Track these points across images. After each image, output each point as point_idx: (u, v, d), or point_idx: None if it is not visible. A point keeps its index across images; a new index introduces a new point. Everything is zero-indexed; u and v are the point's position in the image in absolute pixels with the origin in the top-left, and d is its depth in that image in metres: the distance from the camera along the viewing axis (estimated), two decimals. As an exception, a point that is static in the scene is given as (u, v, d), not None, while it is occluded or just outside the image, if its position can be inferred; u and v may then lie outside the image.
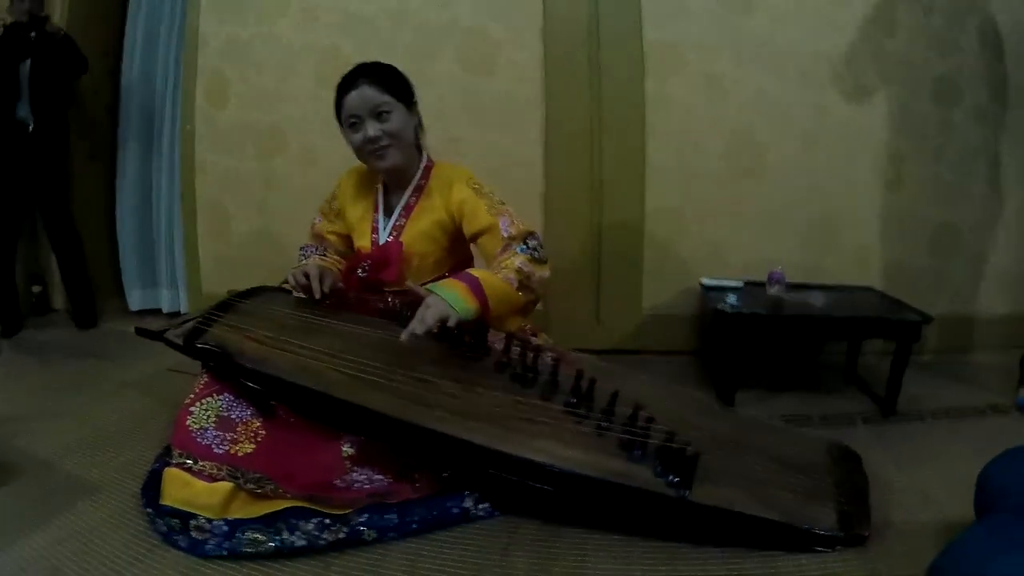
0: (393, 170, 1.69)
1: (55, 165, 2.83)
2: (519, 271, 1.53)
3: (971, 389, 2.12)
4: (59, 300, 3.10)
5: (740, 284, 2.26)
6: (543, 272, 1.60)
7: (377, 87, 1.62)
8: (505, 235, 1.61)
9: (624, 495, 1.23)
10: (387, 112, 1.62)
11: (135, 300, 3.12)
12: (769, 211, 2.46)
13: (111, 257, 3.17)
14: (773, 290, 2.10)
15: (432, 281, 1.69)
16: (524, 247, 1.59)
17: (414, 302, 1.51)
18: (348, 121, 1.66)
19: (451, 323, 1.38)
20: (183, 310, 3.02)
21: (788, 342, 2.47)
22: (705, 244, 2.49)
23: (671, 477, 1.24)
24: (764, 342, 2.36)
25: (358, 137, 1.64)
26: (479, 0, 2.49)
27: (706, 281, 2.32)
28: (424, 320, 1.37)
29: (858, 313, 2.01)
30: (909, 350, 1.89)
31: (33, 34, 2.68)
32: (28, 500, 1.43)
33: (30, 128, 2.72)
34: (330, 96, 2.60)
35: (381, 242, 1.74)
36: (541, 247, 1.62)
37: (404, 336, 1.37)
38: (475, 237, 1.68)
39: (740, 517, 1.23)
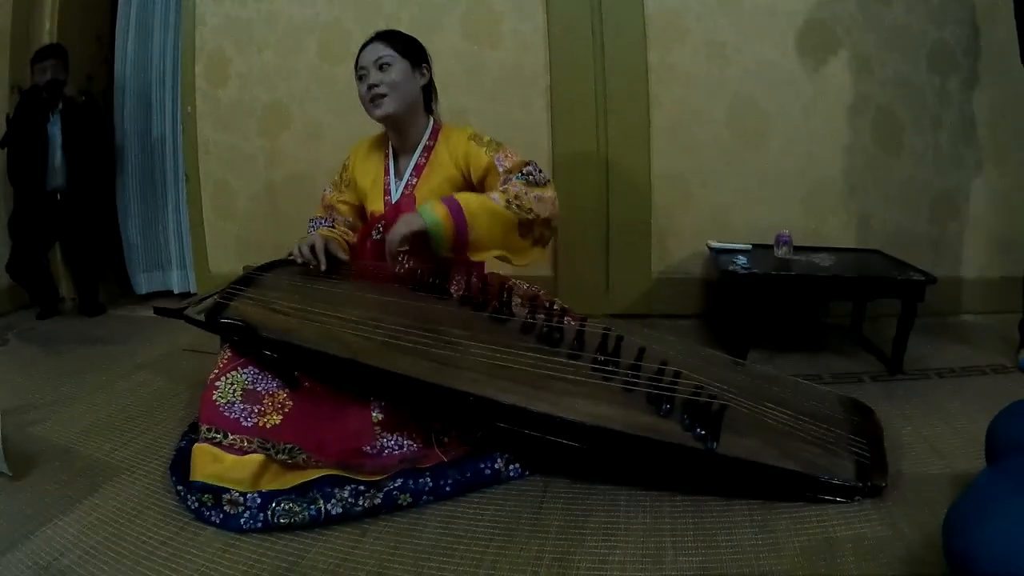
0: (388, 120, 1.74)
1: (86, 225, 2.87)
2: (505, 191, 1.59)
3: (972, 350, 2.16)
4: (64, 288, 3.08)
5: (748, 247, 2.29)
6: (541, 192, 1.63)
7: (385, 43, 1.73)
8: (501, 169, 1.67)
9: (654, 449, 1.26)
10: (388, 64, 1.70)
11: (141, 284, 3.13)
12: (771, 177, 2.48)
13: (112, 243, 3.16)
14: (780, 252, 2.13)
15: None
16: (520, 175, 1.64)
17: (435, 267, 1.57)
18: (359, 73, 1.74)
19: (415, 227, 1.51)
20: (192, 290, 3.03)
21: (797, 302, 2.51)
22: (710, 209, 2.52)
23: (699, 430, 1.27)
24: (774, 302, 2.40)
25: (363, 87, 1.72)
26: (481, -28, 2.49)
27: (714, 244, 2.33)
28: (395, 232, 1.51)
29: (865, 273, 2.03)
30: (914, 309, 1.92)
31: (61, 106, 2.72)
32: (52, 486, 1.42)
33: (58, 197, 2.77)
34: (333, 71, 2.63)
35: (393, 203, 1.77)
36: (539, 171, 1.68)
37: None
38: (481, 182, 1.74)
39: (764, 468, 1.26)
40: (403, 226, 1.53)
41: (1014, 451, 1.04)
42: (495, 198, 1.58)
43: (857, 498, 1.27)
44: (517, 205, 1.58)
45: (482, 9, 2.50)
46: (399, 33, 1.77)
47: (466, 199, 1.57)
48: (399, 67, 1.70)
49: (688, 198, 2.52)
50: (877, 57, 2.40)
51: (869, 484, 1.29)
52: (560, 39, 2.47)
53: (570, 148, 2.52)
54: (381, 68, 1.69)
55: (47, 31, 2.91)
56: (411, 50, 1.75)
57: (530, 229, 1.63)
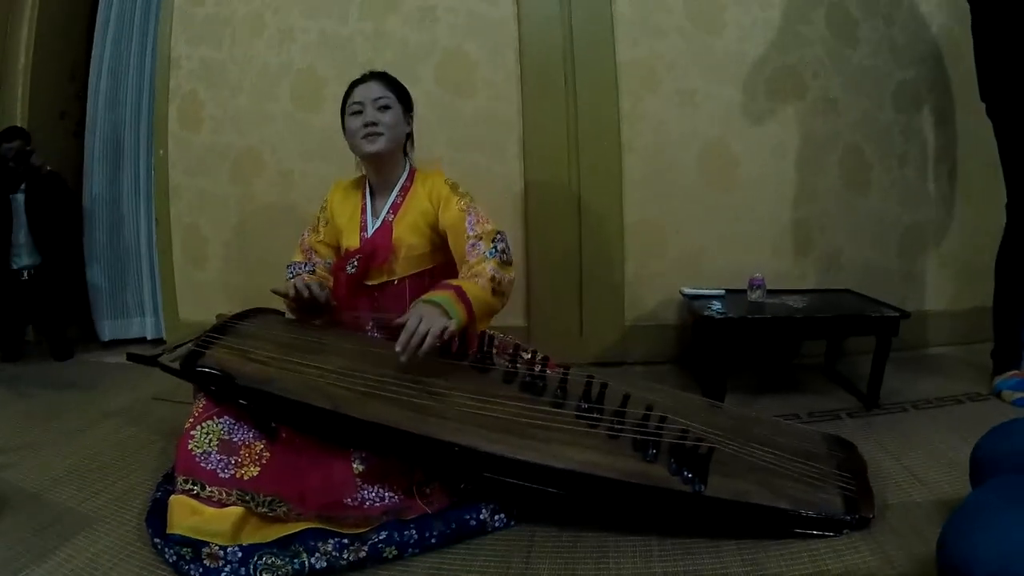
0: (378, 157, 1.76)
1: (56, 306, 2.84)
2: (492, 278, 1.58)
3: (946, 380, 2.19)
4: (29, 331, 3.00)
5: (721, 292, 2.30)
6: (511, 275, 1.65)
7: (383, 84, 1.79)
8: (471, 233, 1.67)
9: (642, 494, 1.26)
10: (387, 106, 1.76)
11: (104, 330, 3.04)
12: (743, 220, 2.51)
13: (76, 286, 3.07)
14: (754, 296, 2.16)
15: (417, 274, 1.76)
16: (493, 251, 1.63)
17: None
18: (352, 108, 1.77)
19: (451, 329, 1.41)
20: (162, 337, 2.96)
21: (773, 344, 2.53)
22: (683, 255, 2.53)
23: (686, 473, 1.27)
24: (750, 345, 2.43)
25: (358, 121, 1.74)
26: (456, 22, 2.53)
27: (687, 291, 2.35)
28: (428, 332, 1.38)
29: (840, 312, 2.07)
30: (889, 344, 1.96)
31: (24, 185, 2.71)
32: (21, 536, 1.37)
33: (24, 276, 2.75)
34: (306, 117, 2.64)
35: (368, 236, 1.79)
36: (508, 249, 1.68)
37: (403, 356, 1.38)
38: (445, 230, 1.75)
39: (753, 508, 1.27)
40: (438, 323, 1.41)
41: (999, 471, 1.06)
42: (483, 285, 1.56)
43: (846, 531, 1.28)
44: (499, 293, 1.59)
45: (457, 58, 2.53)
46: (394, 78, 1.84)
47: (471, 292, 1.52)
48: (395, 111, 1.77)
49: (660, 244, 2.53)
50: (844, 99, 2.49)
51: (857, 516, 1.30)
52: (533, 88, 2.51)
53: (543, 195, 2.54)
54: (380, 109, 1.74)
55: (21, 65, 2.89)
56: (404, 96, 1.83)
57: (496, 310, 1.65)
